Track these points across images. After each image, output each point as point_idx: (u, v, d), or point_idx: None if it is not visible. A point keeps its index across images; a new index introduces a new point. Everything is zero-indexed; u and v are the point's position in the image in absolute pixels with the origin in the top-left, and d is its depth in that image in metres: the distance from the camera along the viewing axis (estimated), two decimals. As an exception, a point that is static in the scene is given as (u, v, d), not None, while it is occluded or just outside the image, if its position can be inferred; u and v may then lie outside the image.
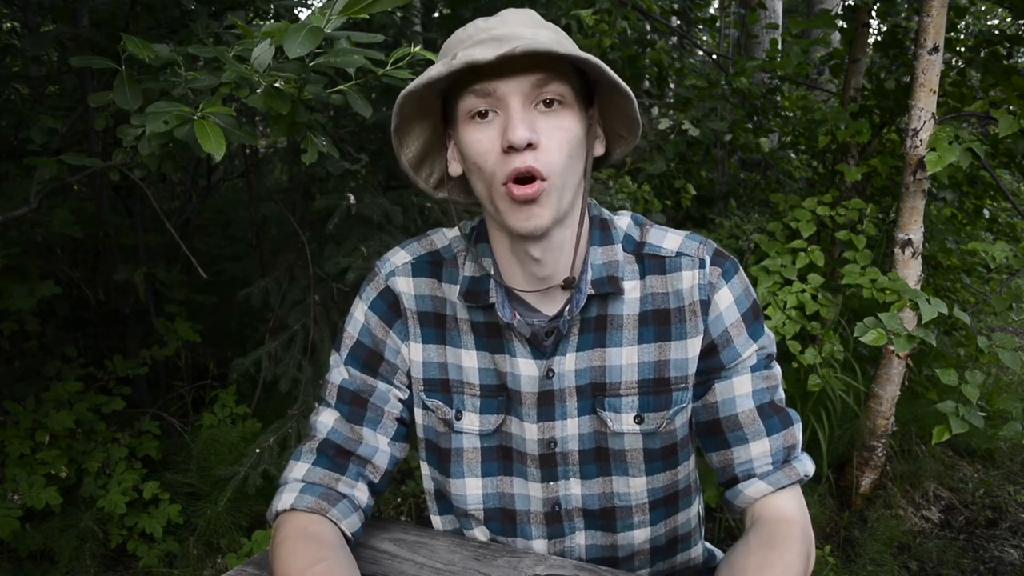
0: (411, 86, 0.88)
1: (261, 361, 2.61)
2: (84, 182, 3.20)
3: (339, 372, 1.09)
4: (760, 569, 0.90)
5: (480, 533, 1.13)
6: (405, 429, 1.11)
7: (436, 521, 1.18)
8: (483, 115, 0.90)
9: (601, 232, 1.04)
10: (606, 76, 0.88)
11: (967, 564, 2.62)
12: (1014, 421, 2.32)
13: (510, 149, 0.88)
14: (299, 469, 1.06)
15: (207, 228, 4.45)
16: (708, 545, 1.28)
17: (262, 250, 3.29)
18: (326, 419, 1.08)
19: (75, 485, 2.62)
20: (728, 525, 2.79)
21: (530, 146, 0.88)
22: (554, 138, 0.90)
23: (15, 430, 2.53)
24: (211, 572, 2.52)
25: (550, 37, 0.91)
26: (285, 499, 1.02)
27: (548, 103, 0.90)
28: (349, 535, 1.02)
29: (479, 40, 0.90)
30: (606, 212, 1.07)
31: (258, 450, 2.47)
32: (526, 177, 0.89)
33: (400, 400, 1.10)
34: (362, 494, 1.06)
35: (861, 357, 3.35)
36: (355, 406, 1.07)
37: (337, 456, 1.06)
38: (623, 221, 1.07)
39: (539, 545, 1.11)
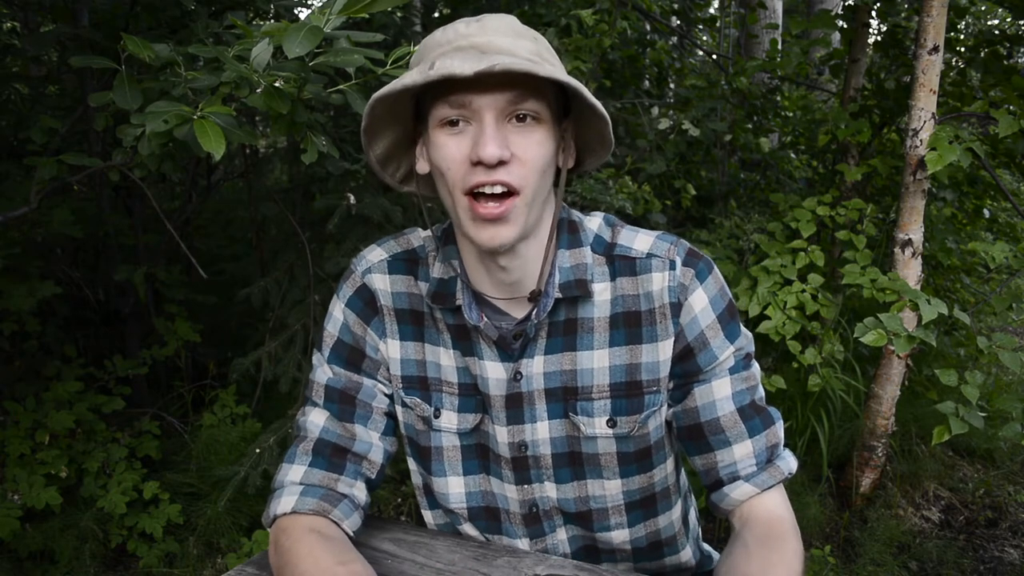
0: (384, 90, 0.87)
1: (261, 361, 2.61)
2: (84, 182, 3.20)
3: (323, 371, 1.09)
4: (764, 570, 0.90)
5: (470, 529, 1.13)
6: (393, 423, 1.11)
7: (427, 516, 1.18)
8: (454, 123, 0.90)
9: (569, 235, 1.03)
10: (584, 97, 0.87)
11: (967, 564, 2.62)
12: (1014, 421, 2.32)
13: (479, 163, 0.87)
14: (295, 472, 1.05)
15: (207, 228, 4.45)
16: (706, 547, 1.28)
17: (262, 250, 3.29)
18: (316, 419, 1.07)
19: (75, 485, 2.62)
20: (727, 525, 2.79)
21: (501, 163, 0.87)
22: (528, 153, 0.89)
23: (15, 430, 2.53)
24: (211, 572, 2.52)
25: (529, 49, 0.90)
26: (285, 503, 1.01)
27: (522, 118, 0.89)
28: (351, 534, 1.02)
29: (458, 47, 0.89)
30: (575, 214, 1.06)
31: (258, 450, 2.47)
32: (497, 193, 0.88)
33: (385, 395, 1.10)
34: (360, 492, 1.05)
35: (861, 357, 3.35)
36: (344, 404, 1.07)
37: (333, 456, 1.05)
38: (594, 222, 1.06)
39: (523, 544, 1.11)
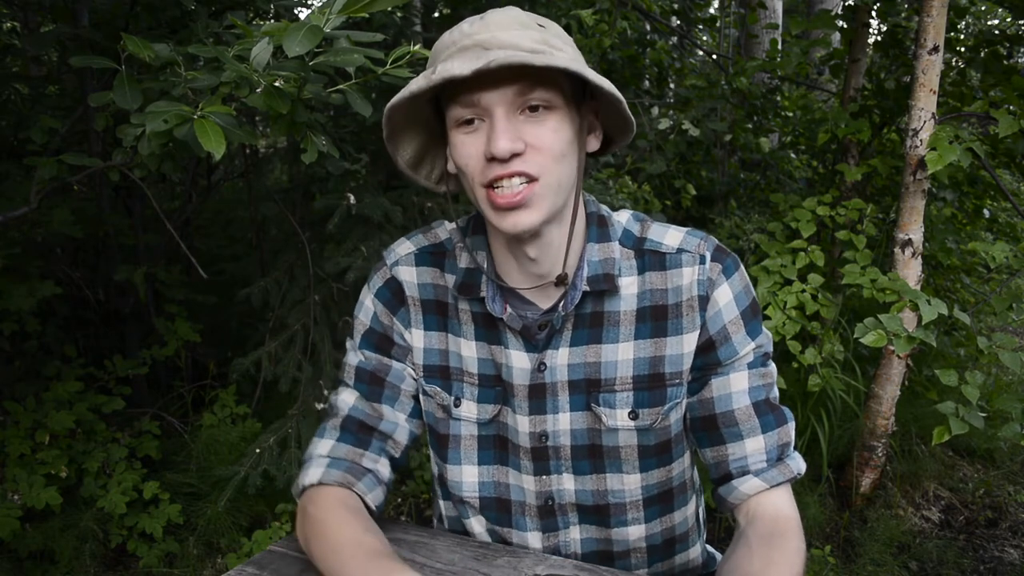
0: (396, 99, 0.89)
1: (261, 361, 2.61)
2: (84, 182, 3.20)
3: (355, 355, 1.13)
4: (765, 568, 0.90)
5: (477, 523, 1.14)
6: (420, 407, 1.15)
7: (441, 506, 1.21)
8: (469, 122, 0.92)
9: (599, 229, 1.05)
10: (591, 80, 0.88)
11: (967, 564, 2.62)
12: (1014, 421, 2.32)
13: (493, 159, 0.89)
14: (324, 445, 1.10)
15: (207, 228, 4.45)
16: (709, 548, 1.28)
17: (262, 250, 3.29)
18: (347, 398, 1.12)
19: (75, 485, 2.62)
20: (728, 525, 2.79)
21: (515, 155, 0.89)
22: (542, 140, 0.90)
23: (15, 430, 2.53)
24: (211, 572, 2.52)
25: (535, 38, 0.90)
26: (312, 474, 1.06)
27: (534, 108, 0.90)
28: (373, 508, 1.07)
29: (462, 47, 0.90)
30: (604, 208, 1.07)
31: (258, 450, 2.47)
32: (514, 182, 0.90)
33: (413, 379, 1.13)
34: (384, 468, 1.10)
35: (861, 357, 3.35)
36: (373, 385, 1.11)
37: (360, 432, 1.10)
38: (622, 216, 1.08)
39: (534, 538, 1.11)
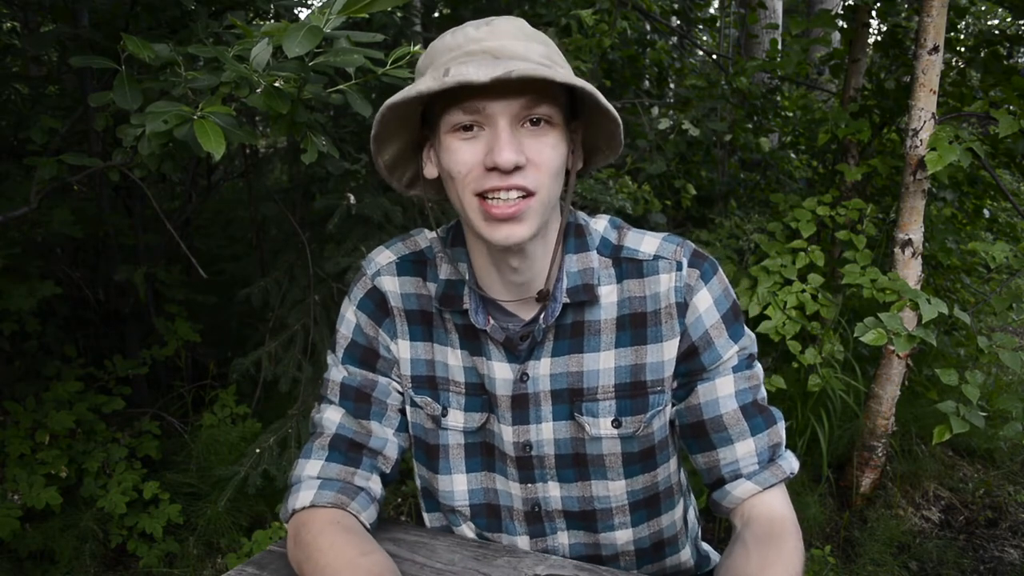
0: (398, 98, 0.87)
1: (261, 361, 2.62)
2: (84, 182, 3.20)
3: (339, 371, 1.10)
4: (762, 568, 0.90)
5: (468, 529, 1.14)
6: (407, 420, 1.13)
7: (426, 519, 1.19)
8: (468, 128, 0.90)
9: (576, 239, 1.04)
10: (597, 101, 0.88)
11: (967, 564, 2.62)
12: (1014, 421, 2.33)
13: (494, 169, 0.88)
14: (312, 466, 1.07)
15: (207, 228, 4.45)
16: (706, 547, 1.28)
17: (262, 250, 3.30)
18: (332, 416, 1.09)
19: (75, 485, 2.62)
20: (728, 525, 2.79)
21: (516, 168, 0.88)
22: (542, 156, 0.90)
23: (15, 430, 2.53)
24: (211, 572, 2.52)
25: (541, 52, 0.90)
26: (303, 497, 1.03)
27: (535, 122, 0.90)
28: (368, 526, 1.04)
29: (469, 52, 0.89)
30: (581, 216, 1.07)
31: (258, 450, 2.47)
32: (511, 195, 0.89)
33: (399, 392, 1.11)
34: (376, 485, 1.08)
35: (861, 357, 3.35)
36: (359, 402, 1.09)
37: (350, 450, 1.07)
38: (599, 224, 1.07)
39: (523, 542, 1.12)
